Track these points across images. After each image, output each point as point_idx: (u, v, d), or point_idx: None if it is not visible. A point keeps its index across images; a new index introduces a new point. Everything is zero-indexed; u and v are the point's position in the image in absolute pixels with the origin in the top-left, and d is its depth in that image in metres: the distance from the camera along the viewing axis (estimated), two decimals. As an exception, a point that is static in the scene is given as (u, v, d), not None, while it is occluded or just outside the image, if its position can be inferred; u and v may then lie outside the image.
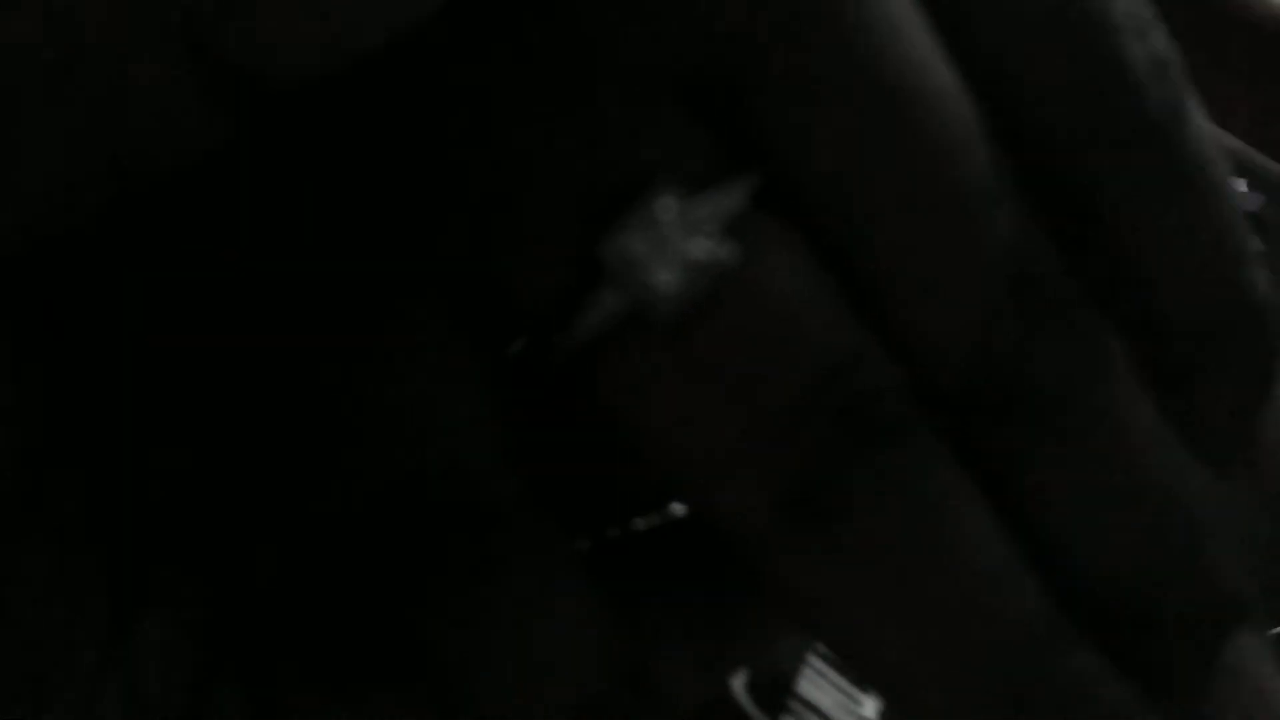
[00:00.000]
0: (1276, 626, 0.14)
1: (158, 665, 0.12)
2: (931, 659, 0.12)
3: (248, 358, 0.12)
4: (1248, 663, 0.13)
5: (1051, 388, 0.12)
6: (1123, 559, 0.13)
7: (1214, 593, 0.13)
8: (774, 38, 0.11)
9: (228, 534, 0.12)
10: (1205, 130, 0.13)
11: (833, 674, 0.25)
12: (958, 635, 0.12)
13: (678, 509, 0.14)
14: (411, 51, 0.11)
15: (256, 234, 0.12)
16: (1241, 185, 1.58)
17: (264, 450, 0.12)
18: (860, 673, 0.12)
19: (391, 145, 0.12)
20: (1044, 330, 0.12)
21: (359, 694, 0.12)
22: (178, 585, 0.12)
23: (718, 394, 0.11)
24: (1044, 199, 0.12)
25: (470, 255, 0.11)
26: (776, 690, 0.24)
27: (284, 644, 0.12)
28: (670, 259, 0.11)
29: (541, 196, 0.11)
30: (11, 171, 0.10)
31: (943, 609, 0.12)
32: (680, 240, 0.11)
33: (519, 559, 0.12)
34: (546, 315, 0.11)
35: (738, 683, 0.24)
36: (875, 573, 0.11)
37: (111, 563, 0.12)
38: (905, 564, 0.11)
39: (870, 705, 0.24)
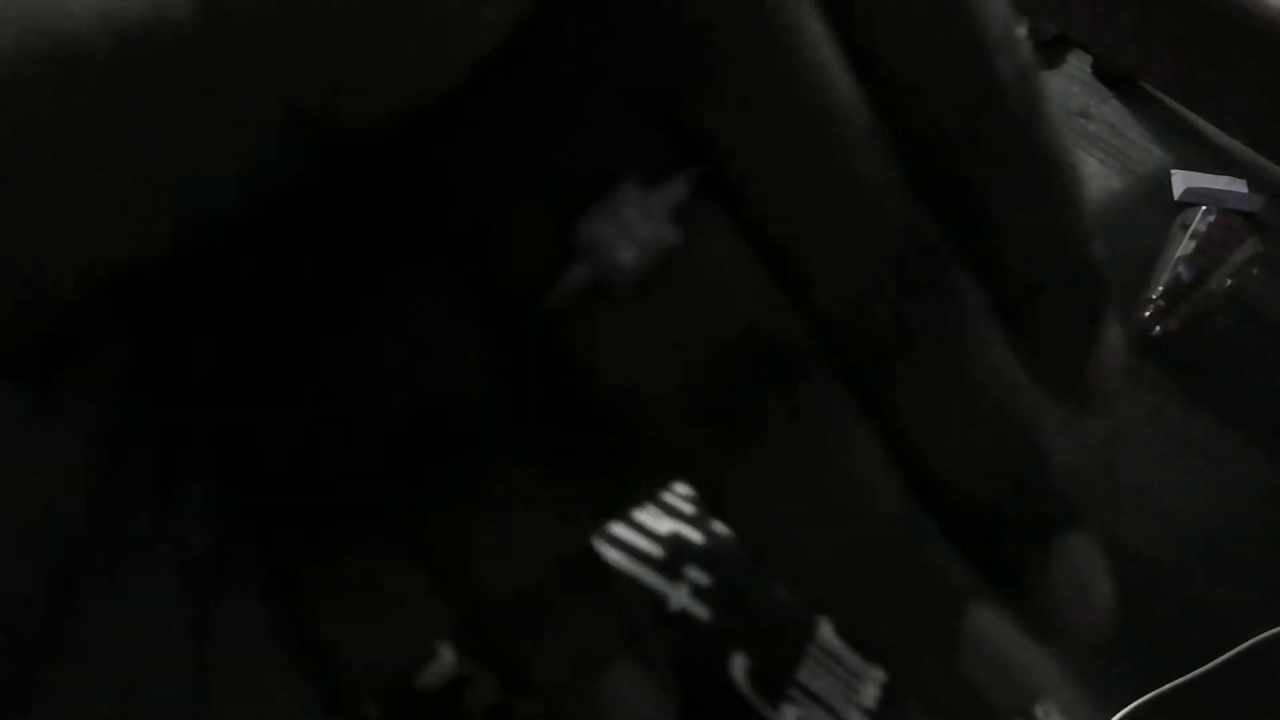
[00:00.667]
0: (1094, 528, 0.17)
1: (197, 525, 0.15)
2: (821, 545, 0.15)
3: (304, 316, 0.15)
4: (1075, 560, 0.16)
5: (922, 337, 0.15)
6: (976, 471, 0.16)
7: (1050, 500, 0.16)
8: (713, 64, 0.14)
9: (253, 431, 0.15)
10: (1059, 128, 0.16)
11: (832, 663, 0.25)
12: (842, 526, 0.15)
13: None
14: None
15: (319, 230, 0.15)
16: (1242, 185, 1.56)
17: (303, 376, 0.15)
18: (764, 558, 0.15)
19: (413, 152, 0.14)
20: (920, 292, 0.15)
21: (349, 550, 0.15)
22: (211, 468, 0.15)
23: (665, 345, 0.14)
24: (926, 183, 0.15)
25: (472, 236, 0.14)
26: (778, 678, 0.24)
27: (289, 512, 0.15)
28: (630, 240, 0.13)
29: (528, 192, 0.14)
30: (144, 198, 0.12)
31: (832, 505, 0.15)
32: (638, 225, 0.13)
33: (501, 461, 0.15)
34: (531, 284, 0.14)
35: (739, 670, 0.24)
36: (783, 478, 0.15)
37: (164, 448, 0.15)
38: (805, 471, 0.15)
39: (869, 693, 0.25)
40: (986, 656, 0.15)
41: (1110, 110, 1.73)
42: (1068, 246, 0.16)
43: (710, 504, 0.15)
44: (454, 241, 0.14)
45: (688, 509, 0.28)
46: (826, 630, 0.26)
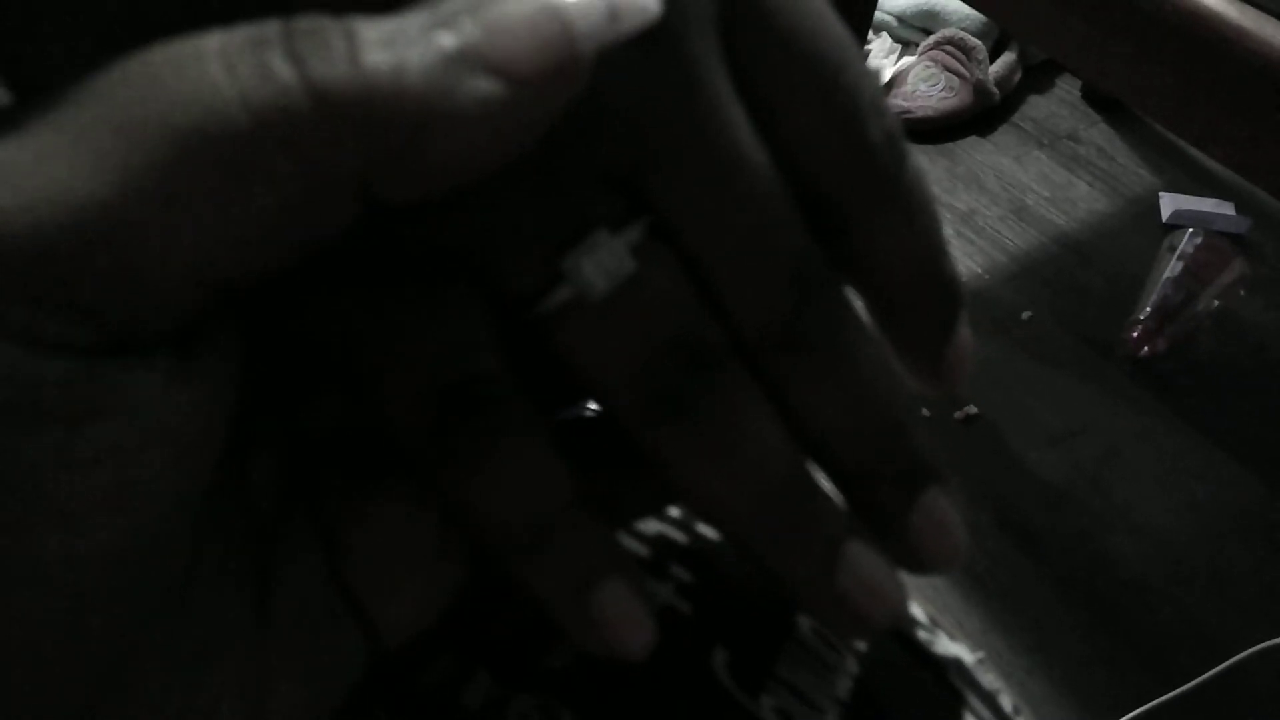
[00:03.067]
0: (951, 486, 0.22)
1: (261, 487, 0.19)
2: (734, 492, 0.20)
3: (349, 316, 0.19)
4: (935, 506, 0.21)
5: (813, 338, 0.20)
6: (856, 439, 0.21)
7: (914, 460, 0.21)
8: (654, 153, 0.19)
9: (308, 403, 0.20)
10: (920, 176, 0.21)
11: (808, 657, 0.26)
12: (750, 477, 0.20)
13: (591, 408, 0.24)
14: None
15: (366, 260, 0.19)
16: (1229, 208, 1.57)
17: (358, 376, 0.19)
18: (692, 504, 0.20)
19: (443, 214, 0.19)
20: (810, 303, 0.20)
21: (381, 505, 0.20)
22: (273, 446, 0.20)
23: (623, 342, 0.19)
24: (816, 218, 0.20)
25: (487, 266, 0.19)
26: (756, 670, 0.25)
27: (335, 481, 0.20)
28: (601, 270, 0.19)
29: (530, 237, 0.19)
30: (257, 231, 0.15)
31: (742, 461, 0.20)
32: (607, 259, 0.19)
33: (514, 427, 0.19)
34: (527, 298, 0.19)
35: (720, 663, 0.25)
36: (706, 446, 0.20)
37: (238, 422, 0.18)
38: (722, 436, 0.20)
39: (843, 685, 0.26)
40: (858, 577, 0.20)
41: (1099, 133, 1.74)
42: (927, 264, 0.21)
43: (653, 464, 0.20)
44: (473, 268, 0.19)
45: (674, 512, 0.29)
46: (803, 626, 0.27)
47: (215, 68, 0.14)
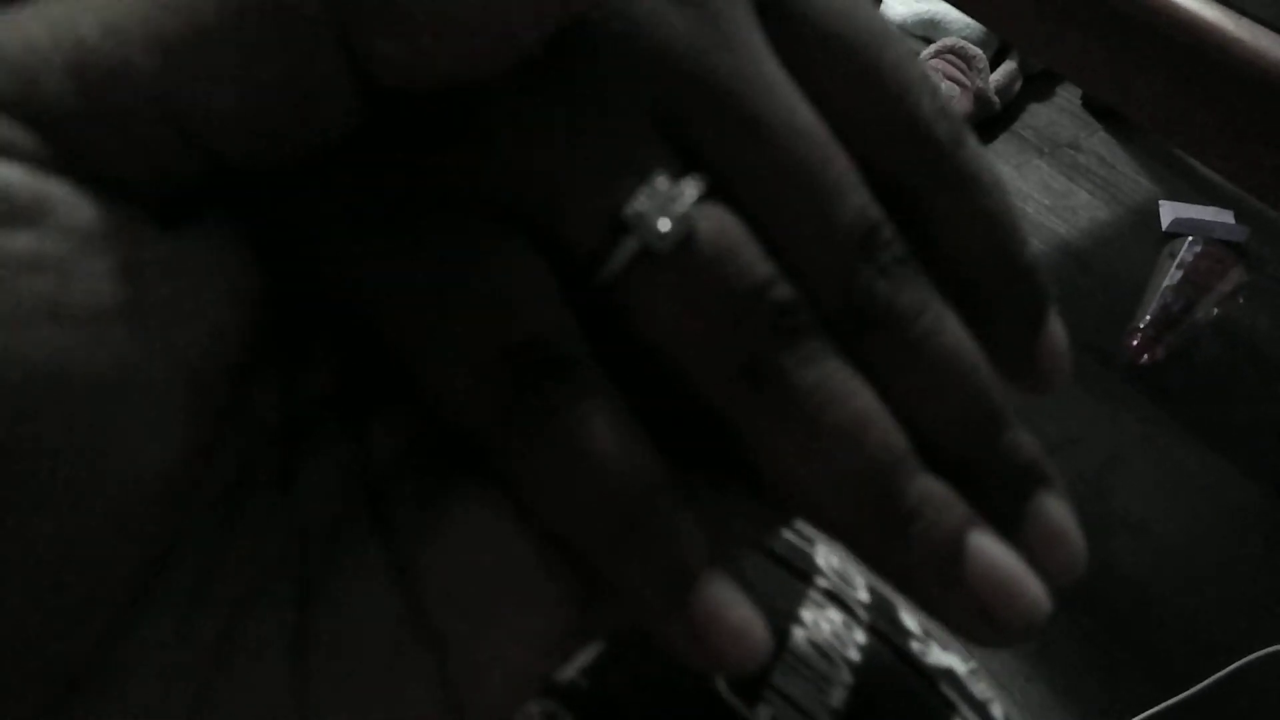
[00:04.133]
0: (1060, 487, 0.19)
1: (313, 499, 0.17)
2: (829, 474, 0.17)
3: (401, 285, 0.17)
4: (1049, 514, 0.18)
5: (894, 312, 0.18)
6: (954, 428, 0.18)
7: (1018, 459, 0.19)
8: (706, 107, 0.18)
9: (366, 413, 0.18)
10: (982, 151, 0.19)
11: (804, 668, 0.27)
12: (848, 459, 0.17)
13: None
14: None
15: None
16: (1229, 216, 1.57)
17: (406, 343, 0.17)
18: (787, 492, 0.18)
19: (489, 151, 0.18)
20: (887, 275, 0.18)
21: (461, 513, 0.17)
22: (330, 449, 0.18)
23: (697, 300, 0.17)
24: (880, 193, 0.18)
25: (542, 218, 0.17)
26: (754, 682, 0.26)
27: (405, 483, 0.17)
28: (666, 215, 0.17)
29: (589, 184, 0.17)
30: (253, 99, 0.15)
31: (838, 437, 0.17)
32: (671, 204, 0.17)
33: (589, 390, 0.17)
34: (594, 254, 0.17)
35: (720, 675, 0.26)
36: (800, 417, 0.17)
37: (285, 428, 0.17)
38: (818, 409, 0.17)
39: (837, 695, 0.27)
40: (990, 574, 0.17)
41: (1099, 142, 1.75)
42: (1005, 250, 0.19)
43: (735, 439, 0.18)
44: (529, 227, 0.17)
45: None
46: (799, 637, 0.27)
47: None
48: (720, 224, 0.17)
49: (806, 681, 0.27)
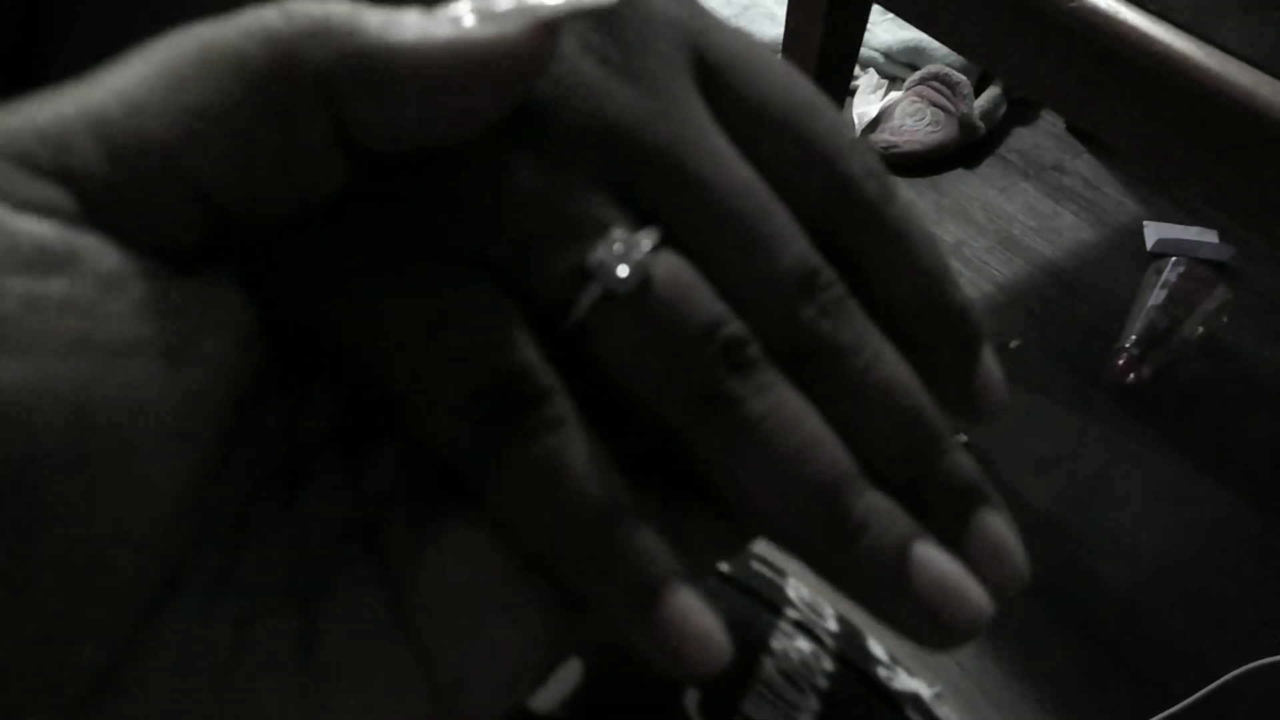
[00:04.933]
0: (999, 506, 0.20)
1: (312, 527, 0.19)
2: (782, 493, 0.19)
3: (380, 325, 0.19)
4: (990, 530, 0.20)
5: (832, 344, 0.20)
6: (895, 450, 0.20)
7: (958, 479, 0.20)
8: (650, 171, 0.20)
9: (364, 444, 0.19)
10: (910, 207, 0.21)
11: (773, 696, 0.28)
12: (797, 475, 0.19)
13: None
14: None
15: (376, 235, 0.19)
16: (1213, 236, 1.59)
17: (390, 381, 0.19)
18: (736, 509, 0.19)
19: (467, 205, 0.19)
20: (828, 314, 0.20)
21: (449, 539, 0.18)
22: (330, 478, 0.19)
23: (653, 338, 0.19)
24: (821, 248, 0.20)
25: (514, 270, 0.19)
26: (725, 709, 0.28)
27: (400, 512, 0.19)
28: (625, 262, 0.19)
29: (556, 238, 0.19)
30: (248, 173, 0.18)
31: (789, 458, 0.19)
32: (629, 253, 0.19)
33: (562, 420, 0.18)
34: (558, 300, 0.19)
35: (691, 703, 0.28)
36: (752, 439, 0.19)
37: (288, 455, 0.19)
38: (769, 433, 0.19)
39: (803, 722, 0.28)
40: (935, 580, 0.19)
41: (1084, 164, 1.76)
42: (935, 293, 0.21)
43: (696, 467, 0.19)
44: (499, 270, 0.19)
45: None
46: (768, 666, 0.29)
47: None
48: (674, 269, 0.19)
49: (775, 710, 0.29)
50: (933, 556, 0.19)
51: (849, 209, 0.21)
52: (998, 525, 0.20)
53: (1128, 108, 0.85)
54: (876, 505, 0.19)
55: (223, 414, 0.18)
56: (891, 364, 0.20)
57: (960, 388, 0.21)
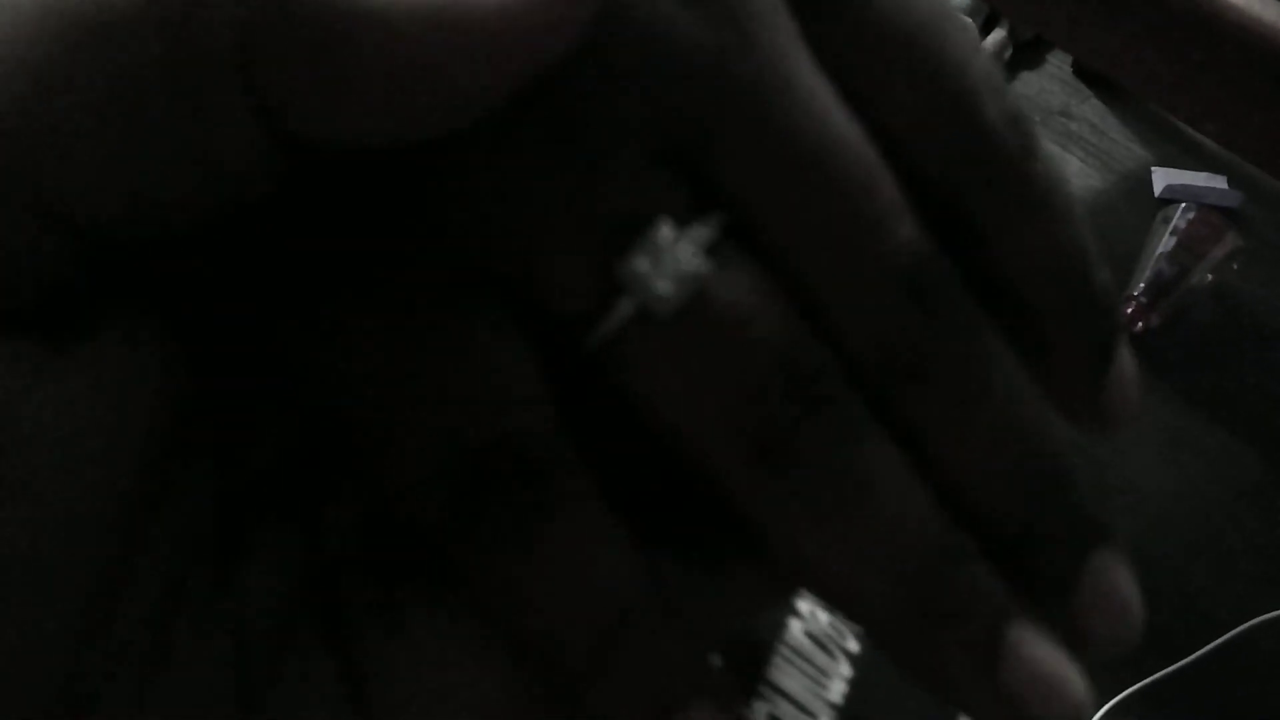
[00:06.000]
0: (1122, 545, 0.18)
1: (253, 607, 0.15)
2: (860, 571, 0.15)
3: (338, 361, 0.15)
4: (1106, 577, 0.17)
5: (943, 363, 0.16)
6: (1004, 490, 0.16)
7: (1080, 518, 0.17)
8: (722, 118, 0.15)
9: (318, 501, 0.16)
10: (1053, 164, 0.17)
11: (801, 661, 0.26)
12: (880, 547, 0.15)
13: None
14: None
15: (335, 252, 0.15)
16: (1221, 182, 1.57)
17: (353, 434, 0.15)
18: (808, 582, 0.16)
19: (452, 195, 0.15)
20: (935, 317, 0.16)
21: (420, 621, 0.15)
22: (275, 544, 0.15)
23: (704, 372, 0.15)
24: (934, 220, 0.16)
25: (518, 280, 0.15)
26: (749, 676, 0.26)
27: (358, 588, 0.15)
28: (668, 274, 0.14)
29: (572, 236, 0.15)
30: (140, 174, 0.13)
31: (869, 527, 0.15)
32: (674, 261, 0.15)
33: (566, 500, 0.15)
34: (578, 322, 0.15)
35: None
36: (823, 502, 0.15)
37: (222, 526, 0.15)
38: (844, 495, 0.15)
39: (836, 689, 0.26)
40: (1027, 672, 0.16)
41: (1091, 109, 1.74)
42: (1072, 272, 0.17)
43: (751, 529, 0.16)
44: (504, 285, 0.15)
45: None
46: (795, 630, 0.27)
47: None
48: (737, 280, 0.15)
49: (804, 675, 0.27)
50: (1030, 644, 0.16)
51: (979, 169, 0.17)
52: (1115, 574, 0.17)
53: (1143, 46, 0.82)
54: (968, 583, 0.16)
55: (125, 495, 0.14)
56: (1012, 384, 0.16)
57: (1090, 399, 0.18)
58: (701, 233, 0.15)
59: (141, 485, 0.14)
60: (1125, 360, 0.18)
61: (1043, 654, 0.16)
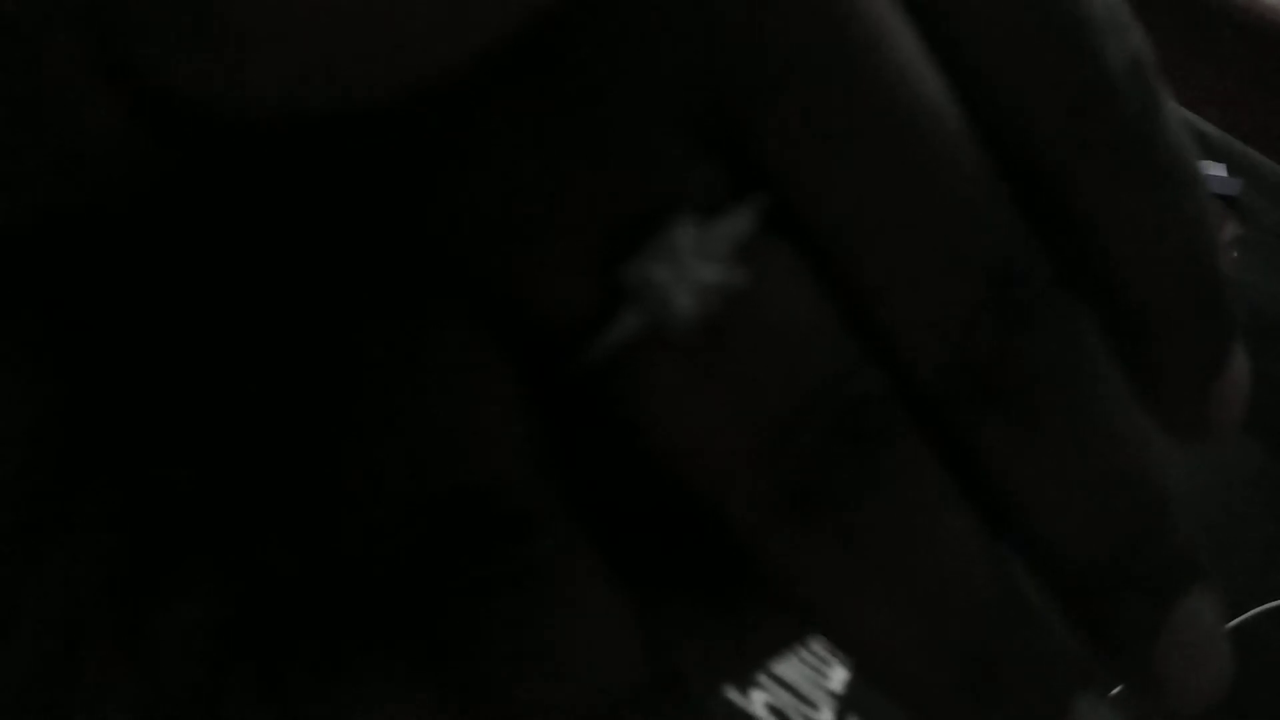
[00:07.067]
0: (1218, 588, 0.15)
1: (172, 655, 0.12)
2: (904, 634, 0.13)
3: (282, 378, 0.12)
4: (1194, 624, 0.15)
5: (1028, 381, 0.13)
6: (1092, 530, 0.14)
7: (1171, 556, 0.15)
8: (777, 74, 0.12)
9: (252, 536, 0.13)
10: (1179, 123, 0.14)
11: (801, 650, 0.26)
12: (931, 617, 0.13)
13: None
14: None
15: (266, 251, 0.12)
16: (1221, 169, 1.57)
17: (297, 464, 0.12)
18: (844, 650, 0.13)
19: (404, 178, 0.12)
20: (1022, 324, 0.13)
21: (372, 685, 0.13)
22: (199, 582, 0.12)
23: (726, 404, 0.12)
24: (1026, 192, 0.13)
25: (497, 281, 0.12)
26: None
27: (300, 638, 0.13)
28: (687, 283, 0.11)
29: (564, 228, 0.12)
30: None
31: (919, 594, 0.13)
32: (696, 265, 0.11)
33: (550, 565, 0.12)
34: (571, 334, 0.12)
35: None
36: (862, 561, 0.13)
37: (135, 558, 0.12)
38: (888, 554, 0.13)
39: (836, 679, 0.25)
40: None
41: (1089, 98, 1.74)
42: (1192, 263, 0.14)
43: (780, 587, 0.13)
44: (483, 288, 0.12)
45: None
46: (794, 617, 0.26)
47: None
48: (773, 288, 0.12)
49: (804, 664, 0.26)
50: (1090, 716, 0.14)
51: (1087, 130, 0.13)
52: (1206, 622, 0.15)
53: (1146, 31, 0.82)
54: (1029, 654, 0.14)
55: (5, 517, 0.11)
56: (1111, 407, 0.14)
57: (1198, 410, 0.16)
58: (732, 226, 0.12)
59: (23, 513, 0.11)
60: (1239, 365, 0.16)
61: None
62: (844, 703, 0.25)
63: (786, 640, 0.16)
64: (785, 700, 0.25)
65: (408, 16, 0.10)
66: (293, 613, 0.13)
